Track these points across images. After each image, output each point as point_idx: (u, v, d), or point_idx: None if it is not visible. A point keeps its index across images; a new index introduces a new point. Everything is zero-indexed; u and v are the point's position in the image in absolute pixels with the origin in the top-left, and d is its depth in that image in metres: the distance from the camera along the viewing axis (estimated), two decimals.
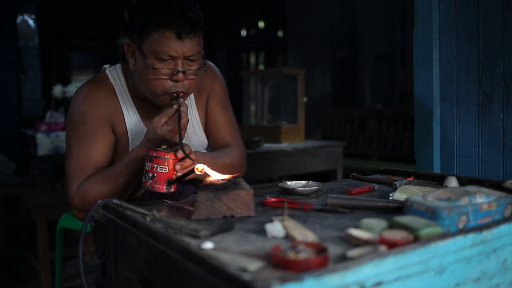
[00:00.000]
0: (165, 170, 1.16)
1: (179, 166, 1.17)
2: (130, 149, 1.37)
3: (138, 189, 1.39)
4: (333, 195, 1.00)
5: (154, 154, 1.16)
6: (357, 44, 6.26)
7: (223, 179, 1.05)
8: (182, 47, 1.24)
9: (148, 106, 1.40)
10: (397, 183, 1.19)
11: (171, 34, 1.22)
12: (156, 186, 1.16)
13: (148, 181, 1.16)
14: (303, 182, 1.21)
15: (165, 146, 1.22)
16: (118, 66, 1.45)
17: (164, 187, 1.17)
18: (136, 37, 1.28)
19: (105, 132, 1.35)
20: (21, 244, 3.12)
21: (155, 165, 1.16)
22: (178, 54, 1.24)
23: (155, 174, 1.16)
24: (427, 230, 0.73)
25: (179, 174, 1.17)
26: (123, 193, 1.29)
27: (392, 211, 0.96)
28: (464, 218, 0.79)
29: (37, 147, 3.29)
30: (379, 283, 0.61)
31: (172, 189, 1.18)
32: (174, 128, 1.20)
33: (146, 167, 1.17)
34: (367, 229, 0.78)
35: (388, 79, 6.12)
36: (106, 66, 1.45)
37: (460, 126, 1.62)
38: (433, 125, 1.68)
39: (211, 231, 0.80)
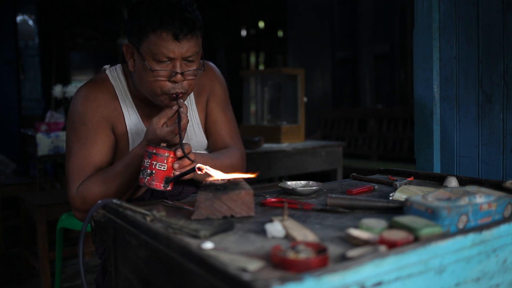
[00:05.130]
0: (163, 168, 1.16)
1: (178, 164, 1.17)
2: (130, 149, 1.37)
3: (138, 189, 1.38)
4: (333, 195, 1.00)
5: (154, 151, 1.16)
6: (357, 44, 6.26)
7: (223, 179, 1.05)
8: (180, 48, 1.24)
9: (149, 106, 1.40)
10: (397, 183, 1.19)
11: (168, 36, 1.22)
12: (154, 183, 1.16)
13: (145, 178, 1.16)
14: (303, 182, 1.20)
15: (164, 144, 1.22)
16: (119, 66, 1.44)
17: (162, 185, 1.16)
18: (134, 39, 1.28)
19: (105, 132, 1.35)
20: (21, 244, 3.12)
21: (154, 162, 1.15)
22: (175, 55, 1.24)
23: (154, 171, 1.15)
24: (427, 230, 0.73)
25: (177, 173, 1.17)
26: (123, 193, 1.29)
27: (392, 211, 0.96)
28: (464, 218, 0.79)
29: (37, 147, 3.30)
30: (379, 283, 0.61)
31: (169, 188, 1.18)
32: (174, 129, 1.20)
33: (145, 164, 1.16)
34: (367, 229, 0.78)
35: (388, 79, 6.13)
36: (107, 66, 1.45)
37: (460, 126, 1.62)
38: (433, 125, 1.68)
39: (211, 231, 0.80)
